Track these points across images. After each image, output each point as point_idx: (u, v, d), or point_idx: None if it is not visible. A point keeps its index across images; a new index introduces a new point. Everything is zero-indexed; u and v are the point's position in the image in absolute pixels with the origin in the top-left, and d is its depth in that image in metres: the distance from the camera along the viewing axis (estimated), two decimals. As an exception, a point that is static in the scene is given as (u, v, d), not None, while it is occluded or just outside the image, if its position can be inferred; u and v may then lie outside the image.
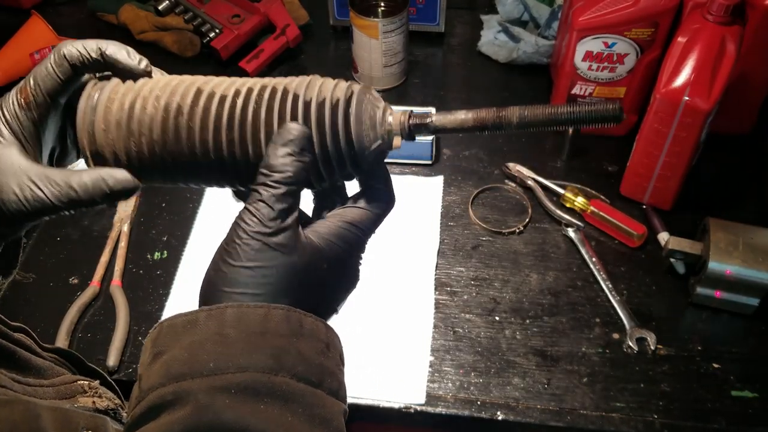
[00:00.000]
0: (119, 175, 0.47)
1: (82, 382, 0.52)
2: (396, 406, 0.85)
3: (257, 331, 0.43)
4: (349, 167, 0.48)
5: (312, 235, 0.47)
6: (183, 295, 0.98)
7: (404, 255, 1.01)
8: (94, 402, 0.51)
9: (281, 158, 0.45)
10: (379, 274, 0.98)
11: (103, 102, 0.49)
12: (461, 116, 0.48)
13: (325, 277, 0.48)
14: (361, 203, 0.50)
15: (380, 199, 0.50)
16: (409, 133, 0.49)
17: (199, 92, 0.48)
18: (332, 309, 0.50)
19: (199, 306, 0.46)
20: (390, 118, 0.49)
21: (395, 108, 0.50)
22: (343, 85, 0.48)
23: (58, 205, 0.47)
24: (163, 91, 0.49)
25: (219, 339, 0.42)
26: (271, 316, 0.43)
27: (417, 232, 1.04)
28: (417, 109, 0.48)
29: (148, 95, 0.49)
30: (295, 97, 0.47)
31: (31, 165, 0.48)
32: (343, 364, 0.48)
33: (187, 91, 0.48)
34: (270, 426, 0.40)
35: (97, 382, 0.54)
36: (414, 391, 0.86)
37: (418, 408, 0.85)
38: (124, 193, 0.47)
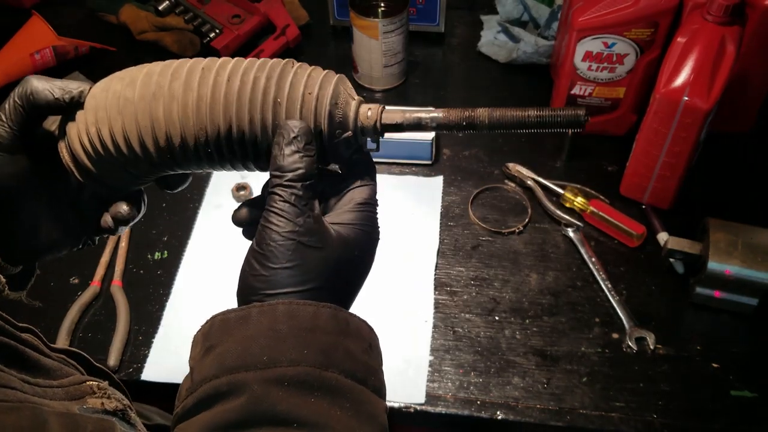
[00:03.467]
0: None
1: (91, 382, 0.52)
2: (396, 405, 0.86)
3: (307, 327, 0.44)
4: (331, 158, 0.51)
5: (337, 226, 0.49)
6: (183, 295, 0.98)
7: (404, 255, 1.01)
8: (102, 403, 0.52)
9: (289, 157, 0.46)
10: (380, 275, 0.98)
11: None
12: (430, 114, 0.50)
13: (356, 263, 0.50)
14: (359, 181, 0.51)
15: (369, 168, 0.52)
16: (381, 130, 0.50)
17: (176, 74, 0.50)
18: (358, 291, 0.52)
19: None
20: (363, 112, 0.50)
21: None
22: (324, 77, 0.49)
23: None
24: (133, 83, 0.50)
25: (272, 334, 0.43)
26: (319, 314, 0.45)
27: (417, 232, 1.04)
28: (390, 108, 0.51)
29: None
30: (293, 90, 0.48)
31: None
32: (382, 363, 0.49)
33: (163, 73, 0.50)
34: (320, 419, 0.42)
35: (106, 383, 0.54)
36: (414, 391, 0.87)
37: (418, 408, 0.86)
38: None
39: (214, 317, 0.46)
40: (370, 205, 0.50)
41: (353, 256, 0.49)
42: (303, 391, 0.42)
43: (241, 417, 0.41)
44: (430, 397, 0.86)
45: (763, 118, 1.12)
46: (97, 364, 0.59)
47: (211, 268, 1.00)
